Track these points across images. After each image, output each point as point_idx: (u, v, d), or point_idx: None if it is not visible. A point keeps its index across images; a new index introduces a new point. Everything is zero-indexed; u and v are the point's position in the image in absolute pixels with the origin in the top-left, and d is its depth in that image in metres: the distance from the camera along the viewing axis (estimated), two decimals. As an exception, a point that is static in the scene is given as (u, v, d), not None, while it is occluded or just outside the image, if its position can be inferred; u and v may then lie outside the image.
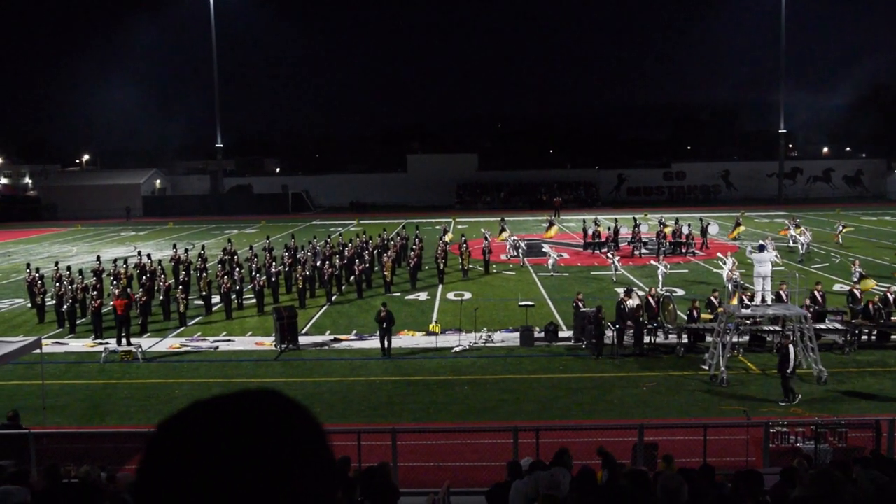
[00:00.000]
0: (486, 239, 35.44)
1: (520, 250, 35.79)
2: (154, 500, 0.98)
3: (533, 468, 7.22)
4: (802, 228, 36.93)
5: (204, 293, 26.82)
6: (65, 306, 24.25)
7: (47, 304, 25.93)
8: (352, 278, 29.76)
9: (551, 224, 42.71)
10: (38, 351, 16.50)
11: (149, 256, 32.36)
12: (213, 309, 26.34)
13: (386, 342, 20.45)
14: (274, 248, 34.24)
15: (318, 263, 29.61)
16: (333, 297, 27.91)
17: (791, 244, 37.45)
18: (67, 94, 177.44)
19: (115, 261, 32.29)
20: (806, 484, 5.87)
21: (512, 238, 38.49)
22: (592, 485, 6.25)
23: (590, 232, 39.56)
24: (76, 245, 49.58)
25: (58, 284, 25.24)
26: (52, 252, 45.20)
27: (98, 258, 31.70)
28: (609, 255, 33.63)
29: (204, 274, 28.34)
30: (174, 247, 34.59)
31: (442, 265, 31.11)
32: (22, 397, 17.61)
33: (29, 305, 27.15)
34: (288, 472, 0.99)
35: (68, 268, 28.01)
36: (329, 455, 1.07)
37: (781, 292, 20.40)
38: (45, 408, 16.30)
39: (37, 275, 26.26)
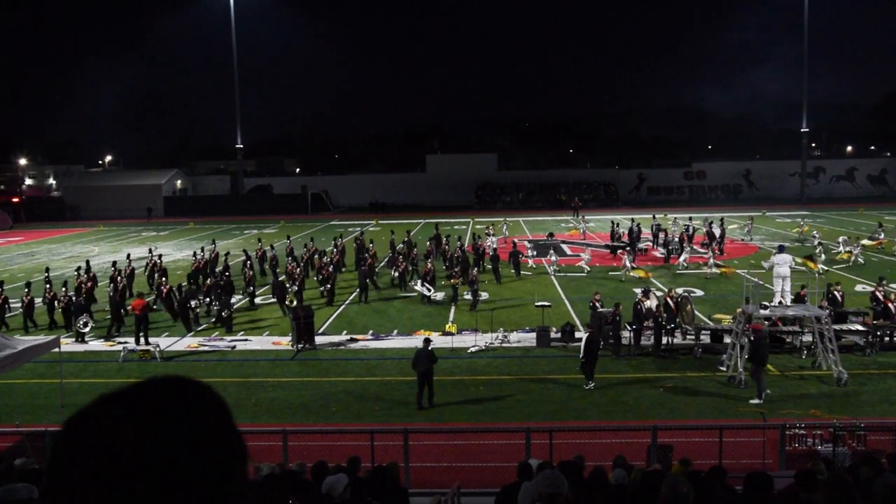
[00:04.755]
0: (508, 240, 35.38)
1: (537, 250, 35.65)
2: (66, 497, 0.95)
3: (540, 469, 7.16)
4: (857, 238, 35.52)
5: (220, 292, 26.90)
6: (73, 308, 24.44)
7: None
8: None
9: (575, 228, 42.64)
10: (56, 350, 16.68)
11: (161, 256, 32.79)
12: (232, 308, 26.43)
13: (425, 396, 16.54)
14: (294, 248, 34.38)
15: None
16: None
17: (814, 243, 36.77)
18: (90, 96, 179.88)
19: (117, 262, 32.62)
20: (820, 489, 5.76)
21: (531, 240, 38.37)
22: (602, 485, 6.19)
23: (611, 233, 39.33)
24: (98, 245, 50.11)
25: (64, 290, 25.55)
26: (75, 252, 45.73)
27: (87, 262, 32.23)
28: (627, 254, 33.32)
29: (226, 273, 28.51)
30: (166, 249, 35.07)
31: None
32: (41, 395, 17.85)
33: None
34: (196, 455, 0.99)
35: (59, 278, 28.26)
36: (236, 434, 1.07)
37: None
38: (64, 406, 16.47)
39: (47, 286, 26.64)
